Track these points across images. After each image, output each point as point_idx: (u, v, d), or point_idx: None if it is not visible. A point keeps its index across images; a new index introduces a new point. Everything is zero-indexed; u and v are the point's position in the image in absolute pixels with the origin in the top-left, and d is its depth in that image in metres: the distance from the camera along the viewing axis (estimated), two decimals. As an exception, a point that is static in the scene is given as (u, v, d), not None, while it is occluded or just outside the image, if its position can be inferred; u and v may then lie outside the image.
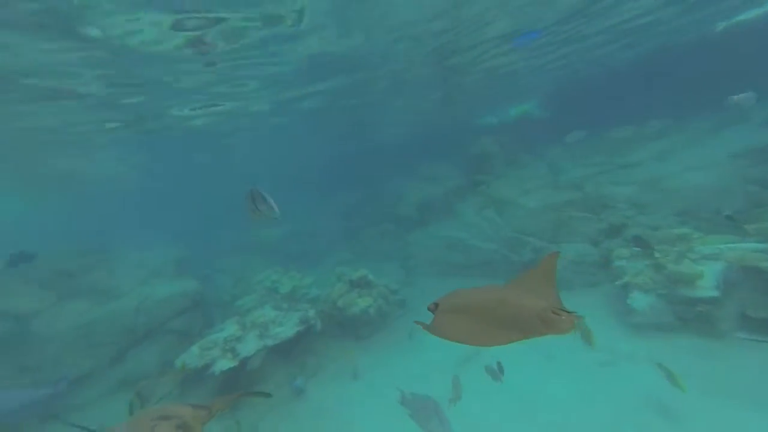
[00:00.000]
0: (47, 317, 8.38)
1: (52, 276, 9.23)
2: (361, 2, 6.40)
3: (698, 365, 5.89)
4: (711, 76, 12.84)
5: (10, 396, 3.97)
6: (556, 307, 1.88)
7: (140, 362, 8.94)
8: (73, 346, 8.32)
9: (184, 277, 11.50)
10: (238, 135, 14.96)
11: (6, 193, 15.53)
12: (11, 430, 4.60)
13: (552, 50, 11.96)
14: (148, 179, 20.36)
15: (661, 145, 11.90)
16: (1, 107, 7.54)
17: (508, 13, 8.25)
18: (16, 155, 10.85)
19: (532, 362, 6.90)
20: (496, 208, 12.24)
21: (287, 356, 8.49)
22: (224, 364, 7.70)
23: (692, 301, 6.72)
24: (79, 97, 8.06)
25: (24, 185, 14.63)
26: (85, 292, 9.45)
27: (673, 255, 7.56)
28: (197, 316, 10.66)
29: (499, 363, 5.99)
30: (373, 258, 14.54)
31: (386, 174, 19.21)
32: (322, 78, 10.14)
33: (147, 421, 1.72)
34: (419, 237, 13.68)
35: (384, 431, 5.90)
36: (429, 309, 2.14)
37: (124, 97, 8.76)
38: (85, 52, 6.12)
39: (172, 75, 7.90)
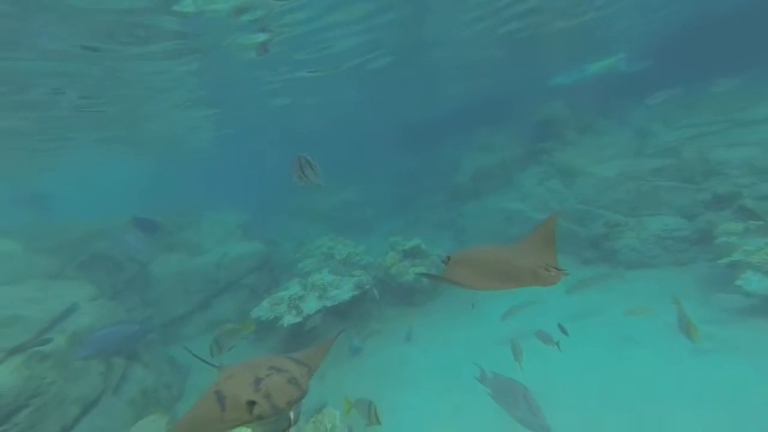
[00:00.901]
0: (157, 264, 10.11)
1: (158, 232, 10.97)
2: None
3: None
4: None
5: (115, 331, 4.80)
6: (549, 265, 2.26)
7: (222, 310, 10.34)
8: (175, 289, 9.97)
9: (252, 240, 12.70)
10: (303, 103, 15.24)
11: (121, 158, 18.30)
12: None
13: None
14: (221, 148, 22.21)
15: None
16: (135, 65, 7.96)
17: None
18: (131, 119, 12.23)
19: (611, 344, 6.32)
20: (562, 179, 11.16)
21: (344, 318, 9.11)
22: (290, 319, 8.54)
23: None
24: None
25: (133, 150, 16.91)
26: (180, 246, 11.05)
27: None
28: (265, 274, 11.85)
29: (560, 326, 5.65)
30: (426, 228, 14.46)
31: (443, 142, 18.46)
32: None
33: (262, 368, 1.72)
34: (474, 208, 13.16)
35: (443, 391, 6.07)
36: (442, 261, 2.60)
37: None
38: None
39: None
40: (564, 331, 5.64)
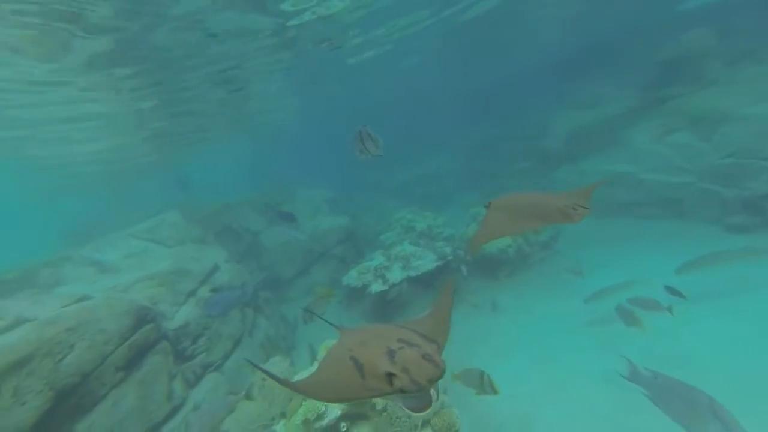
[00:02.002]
0: (265, 235, 11.87)
1: (263, 207, 12.85)
2: None
3: None
4: None
5: (224, 296, 5.78)
6: (578, 204, 2.48)
7: (317, 277, 11.69)
8: (281, 257, 11.61)
9: (338, 214, 13.81)
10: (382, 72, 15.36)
11: (233, 145, 21.85)
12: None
13: None
14: (305, 128, 24.10)
15: None
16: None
17: None
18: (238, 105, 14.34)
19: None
20: (695, 130, 9.14)
21: (428, 287, 9.45)
22: (377, 287, 9.24)
23: None
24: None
25: (242, 136, 19.86)
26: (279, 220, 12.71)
27: None
28: (351, 246, 12.87)
29: (669, 287, 4.89)
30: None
31: (528, 105, 16.79)
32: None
33: (390, 339, 1.65)
34: (568, 174, 11.90)
35: (536, 363, 5.92)
36: (485, 206, 2.81)
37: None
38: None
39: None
40: (677, 293, 4.83)
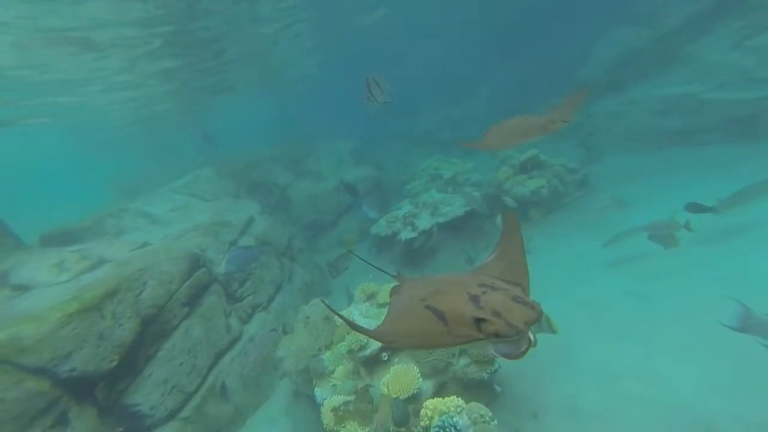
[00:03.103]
0: (293, 189, 12.14)
1: (288, 162, 12.99)
2: None
3: None
4: None
5: (243, 252, 6.03)
6: (559, 118, 2.96)
7: (346, 227, 11.94)
8: (310, 210, 11.90)
9: (362, 165, 13.66)
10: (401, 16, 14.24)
11: (255, 99, 21.68)
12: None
13: None
14: (327, 75, 23.20)
15: None
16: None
17: None
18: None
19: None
20: None
21: (458, 233, 9.41)
22: (406, 234, 9.32)
23: None
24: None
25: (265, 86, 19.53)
26: (306, 174, 12.83)
27: None
28: (378, 196, 12.88)
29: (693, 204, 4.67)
30: (541, 141, 12.85)
31: (564, 32, 14.96)
32: None
33: (469, 285, 1.59)
34: (611, 105, 10.80)
35: (574, 306, 5.64)
36: (483, 133, 3.28)
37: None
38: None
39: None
40: (701, 209, 4.54)
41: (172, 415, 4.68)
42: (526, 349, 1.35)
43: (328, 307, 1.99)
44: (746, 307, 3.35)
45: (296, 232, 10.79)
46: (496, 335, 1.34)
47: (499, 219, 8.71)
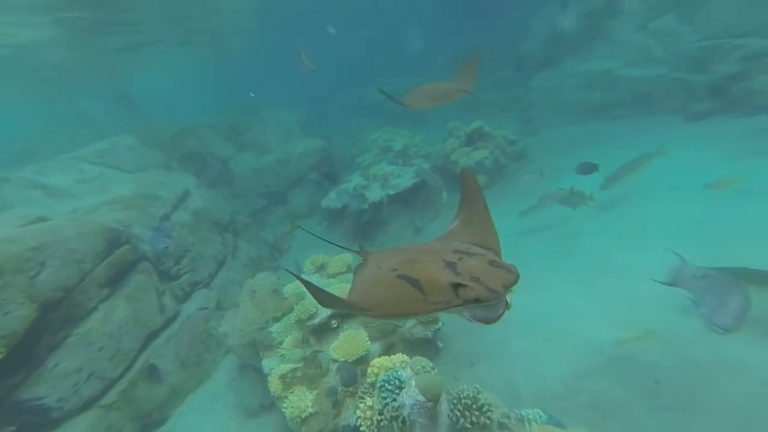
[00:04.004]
0: (235, 162, 11.32)
1: (229, 132, 11.93)
2: None
3: None
4: None
5: (159, 229, 5.65)
6: (464, 89, 3.62)
7: (296, 202, 11.54)
8: (255, 183, 11.24)
9: (312, 137, 13.09)
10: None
11: (187, 59, 18.95)
12: None
13: None
14: (270, 43, 21.25)
15: None
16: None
17: None
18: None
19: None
20: (681, 11, 8.75)
21: (407, 204, 9.60)
22: (356, 206, 9.28)
23: None
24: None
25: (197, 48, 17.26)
26: (249, 145, 11.95)
27: None
28: (327, 169, 12.53)
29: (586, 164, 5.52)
30: (486, 113, 13.32)
31: (508, 5, 15.26)
32: None
33: (445, 253, 1.56)
34: (545, 80, 11.45)
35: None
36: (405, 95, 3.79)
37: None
38: None
39: None
40: (591, 169, 5.40)
41: (89, 404, 4.38)
42: (503, 313, 1.36)
43: (293, 274, 1.81)
44: (683, 262, 3.44)
45: (240, 207, 10.17)
46: (476, 300, 1.33)
47: (444, 195, 8.96)
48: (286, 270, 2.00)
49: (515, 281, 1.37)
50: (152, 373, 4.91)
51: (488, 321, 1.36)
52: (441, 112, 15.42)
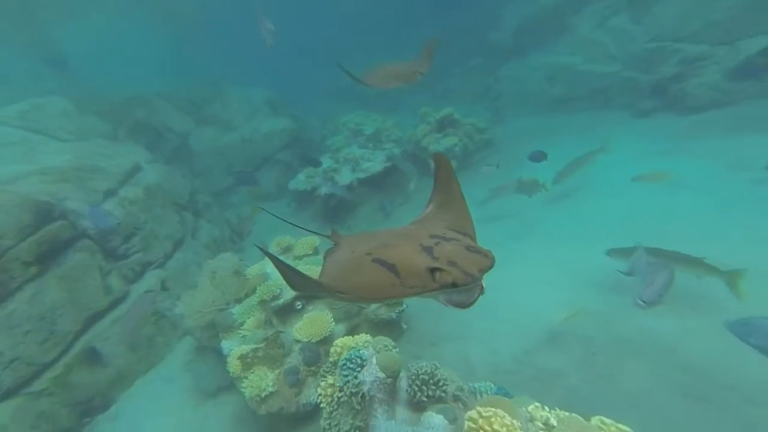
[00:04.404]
0: (195, 138, 10.53)
1: (187, 104, 11.01)
2: None
3: None
4: None
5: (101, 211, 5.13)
6: (420, 71, 3.91)
7: (261, 182, 11.08)
8: (218, 163, 10.61)
9: (280, 116, 12.54)
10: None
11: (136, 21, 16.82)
12: None
13: None
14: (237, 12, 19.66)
15: None
16: None
17: None
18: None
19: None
20: (633, 11, 9.21)
21: (377, 188, 9.57)
22: (326, 189, 9.14)
23: None
24: None
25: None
26: (210, 121, 11.21)
27: None
28: (296, 151, 12.13)
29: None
30: (456, 100, 13.46)
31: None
32: None
33: (420, 237, 1.54)
34: (514, 70, 11.71)
35: None
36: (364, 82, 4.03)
37: None
38: None
39: None
40: (540, 157, 5.88)
41: (12, 392, 4.07)
42: (477, 297, 1.36)
43: (264, 252, 1.68)
44: (644, 254, 3.55)
45: (202, 186, 9.62)
46: (453, 285, 1.33)
47: (411, 184, 9.00)
48: (258, 247, 1.88)
49: (491, 266, 1.38)
50: (92, 356, 4.61)
51: (463, 305, 1.37)
52: (412, 98, 15.47)
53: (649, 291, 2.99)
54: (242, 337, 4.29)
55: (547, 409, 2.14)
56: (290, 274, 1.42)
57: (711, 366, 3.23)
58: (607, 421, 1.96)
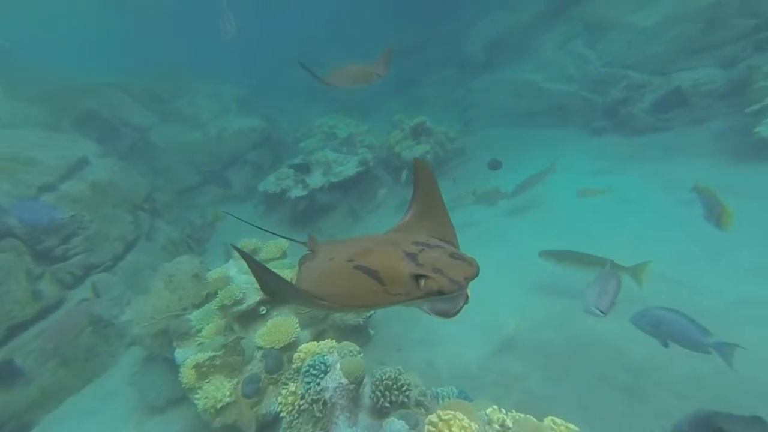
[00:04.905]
0: (157, 133, 9.89)
1: (148, 98, 10.37)
2: None
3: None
4: None
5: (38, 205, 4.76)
6: (378, 73, 4.15)
7: (234, 185, 10.62)
8: (181, 161, 10.05)
9: (251, 115, 12.18)
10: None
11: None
12: None
13: None
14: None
15: None
16: None
17: None
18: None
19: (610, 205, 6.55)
20: (588, 37, 9.95)
21: (349, 192, 9.52)
22: (297, 192, 8.95)
23: None
24: None
25: None
26: (176, 116, 10.63)
27: None
28: (267, 152, 11.82)
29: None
30: (430, 109, 13.77)
31: (455, 4, 15.80)
32: None
33: (404, 244, 1.52)
34: (484, 83, 12.21)
35: None
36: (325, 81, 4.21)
37: None
38: None
39: None
40: (497, 166, 6.46)
41: None
42: (462, 306, 1.33)
43: (242, 254, 1.47)
44: (606, 289, 3.30)
45: (163, 185, 9.08)
46: (439, 292, 1.29)
47: (381, 192, 9.04)
48: (234, 247, 1.72)
49: (476, 274, 1.36)
50: (9, 372, 4.09)
51: (447, 314, 1.33)
52: (387, 105, 15.62)
53: (605, 300, 3.13)
54: (199, 344, 4.04)
55: (503, 411, 2.20)
56: (267, 279, 1.33)
57: (648, 365, 3.52)
58: (558, 421, 2.05)
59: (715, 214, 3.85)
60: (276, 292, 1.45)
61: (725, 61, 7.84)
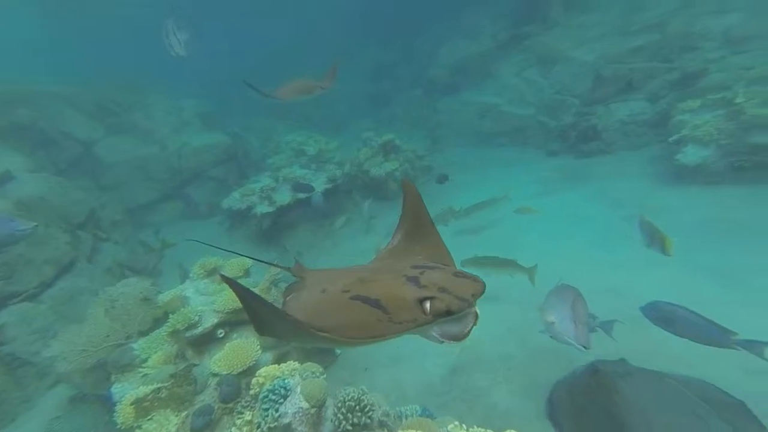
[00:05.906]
0: (104, 147, 9.20)
1: (96, 109, 9.66)
2: None
3: (742, 213, 5.66)
4: None
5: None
6: (325, 86, 4.61)
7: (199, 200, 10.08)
8: (134, 176, 9.44)
9: (214, 131, 11.80)
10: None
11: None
12: None
13: None
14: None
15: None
16: None
17: None
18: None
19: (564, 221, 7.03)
20: (541, 67, 10.98)
21: (317, 209, 9.35)
22: (263, 208, 8.67)
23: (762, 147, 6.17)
24: None
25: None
26: (128, 129, 10.01)
27: (761, 98, 6.58)
28: (232, 168, 11.43)
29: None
30: (399, 127, 14.14)
31: (422, 30, 16.61)
32: None
33: (404, 269, 1.46)
34: (450, 104, 12.87)
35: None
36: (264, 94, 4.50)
37: None
38: None
39: None
40: (444, 179, 6.90)
41: None
42: (473, 326, 1.27)
43: (227, 281, 1.20)
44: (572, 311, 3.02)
45: (112, 201, 8.42)
46: (447, 312, 1.24)
47: (366, 205, 8.93)
48: (222, 277, 1.31)
49: (483, 290, 1.31)
50: None
51: (459, 337, 1.27)
52: (356, 122, 15.84)
53: (582, 332, 2.86)
54: (143, 376, 3.64)
55: (464, 427, 2.15)
56: (262, 312, 1.16)
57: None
58: (519, 433, 2.04)
59: (657, 241, 4.08)
60: (272, 327, 1.27)
61: (651, 97, 8.99)
